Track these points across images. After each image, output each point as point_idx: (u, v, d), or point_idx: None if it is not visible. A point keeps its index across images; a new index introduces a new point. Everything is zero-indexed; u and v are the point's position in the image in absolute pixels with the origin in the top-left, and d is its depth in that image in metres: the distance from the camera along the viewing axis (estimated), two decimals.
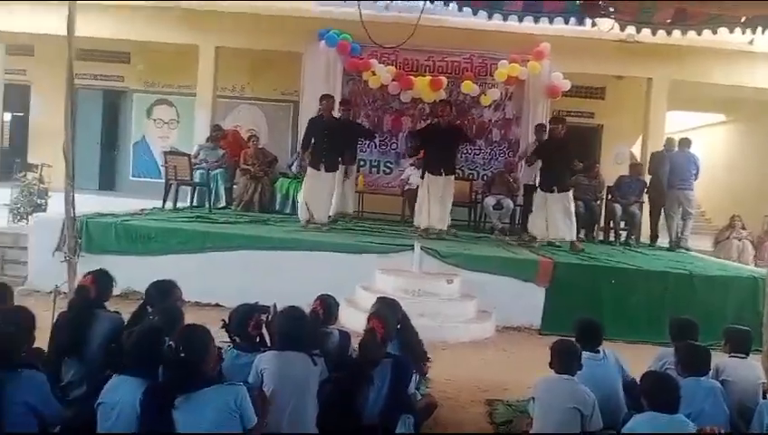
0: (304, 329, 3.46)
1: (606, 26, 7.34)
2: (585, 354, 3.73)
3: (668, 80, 10.45)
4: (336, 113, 8.28)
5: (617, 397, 3.68)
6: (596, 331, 3.91)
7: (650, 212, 9.38)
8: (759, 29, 5.85)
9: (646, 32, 7.07)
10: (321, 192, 7.82)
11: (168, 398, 2.72)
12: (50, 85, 11.39)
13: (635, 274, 6.71)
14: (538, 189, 7.97)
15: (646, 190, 9.25)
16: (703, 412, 3.31)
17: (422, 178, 8.01)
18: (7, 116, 12.76)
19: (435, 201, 7.83)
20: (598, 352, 3.83)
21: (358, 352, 3.56)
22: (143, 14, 10.20)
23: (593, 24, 7.50)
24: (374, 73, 10.06)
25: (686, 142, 9.35)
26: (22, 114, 12.97)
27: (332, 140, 7.81)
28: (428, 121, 9.56)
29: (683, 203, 9.00)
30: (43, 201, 9.44)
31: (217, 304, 6.23)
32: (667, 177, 9.08)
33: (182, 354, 2.74)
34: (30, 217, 8.60)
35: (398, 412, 3.54)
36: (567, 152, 7.71)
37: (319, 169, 7.77)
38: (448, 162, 7.96)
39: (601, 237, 9.44)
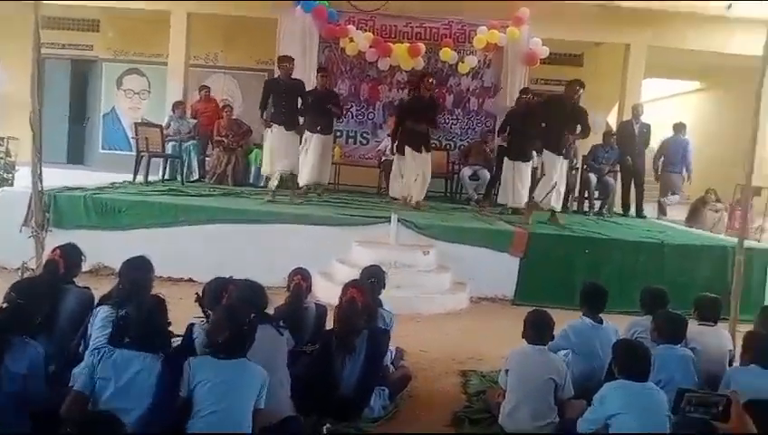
0: (264, 299, 3.44)
1: None
2: (586, 321, 3.90)
3: (646, 46, 10.43)
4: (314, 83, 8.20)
5: (603, 366, 3.71)
6: (601, 297, 4.01)
7: (622, 182, 9.46)
8: None
9: None
10: (279, 146, 7.71)
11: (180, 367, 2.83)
12: (15, 55, 10.95)
13: (608, 243, 6.76)
14: (506, 158, 8.02)
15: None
16: (673, 379, 3.38)
17: (396, 152, 8.06)
18: None
19: (415, 175, 7.84)
20: (600, 320, 3.91)
21: (337, 323, 3.54)
22: None
23: None
24: (351, 40, 9.86)
25: (680, 127, 9.73)
26: None
27: (290, 102, 7.71)
28: (408, 93, 9.48)
29: (674, 186, 9.71)
30: (10, 175, 9.26)
31: (190, 279, 6.14)
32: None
33: (245, 328, 2.96)
34: None
35: (373, 384, 3.56)
36: (534, 121, 7.61)
37: (278, 126, 7.67)
38: (428, 137, 8.00)
39: (575, 207, 9.49)
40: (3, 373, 2.76)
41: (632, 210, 9.41)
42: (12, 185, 8.79)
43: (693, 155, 9.84)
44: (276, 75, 7.98)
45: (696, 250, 6.78)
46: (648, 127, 9.41)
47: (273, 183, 7.83)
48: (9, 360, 2.78)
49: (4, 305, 3.00)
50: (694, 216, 9.92)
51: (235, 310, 3.06)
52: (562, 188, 7.49)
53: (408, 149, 7.86)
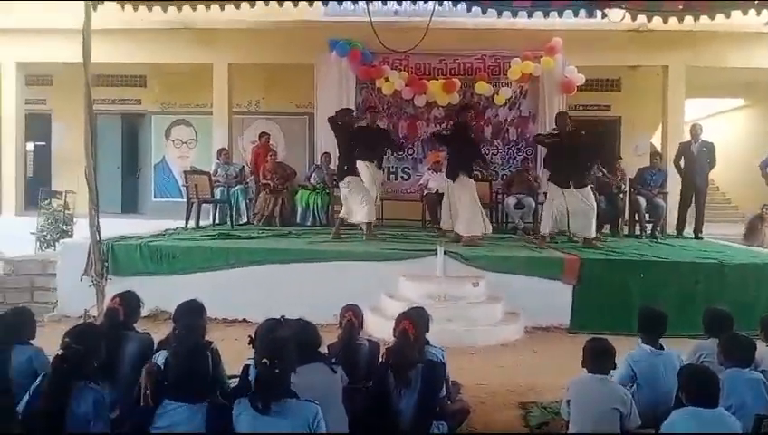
0: (317, 338, 3.43)
1: (617, 17, 7.26)
2: (645, 348, 3.75)
3: (684, 66, 10.29)
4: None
5: (671, 395, 3.54)
6: (659, 322, 3.85)
7: (681, 202, 9.22)
8: None
9: (658, 20, 7.00)
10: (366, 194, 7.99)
11: (229, 417, 2.73)
12: (69, 112, 11.60)
13: (664, 266, 6.59)
14: (551, 184, 7.75)
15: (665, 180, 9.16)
16: (745, 404, 3.22)
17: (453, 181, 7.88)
18: (30, 145, 12.97)
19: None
20: (660, 346, 3.76)
21: (391, 356, 3.52)
22: (157, 36, 10.35)
23: (603, 16, 7.43)
24: (387, 80, 10.07)
25: None
26: (44, 143, 13.19)
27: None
28: (447, 125, 9.59)
29: None
30: (69, 227, 9.61)
31: (244, 320, 6.28)
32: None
33: (276, 370, 2.74)
34: (57, 243, 8.73)
35: (430, 418, 3.50)
36: (581, 148, 7.56)
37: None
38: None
39: (626, 231, 9.29)
40: (68, 416, 2.82)
41: (688, 231, 9.14)
42: (71, 236, 9.13)
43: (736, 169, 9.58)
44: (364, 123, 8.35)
45: (757, 269, 6.54)
46: (709, 145, 9.08)
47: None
48: (74, 403, 2.85)
49: (60, 352, 3.03)
50: (751, 233, 9.59)
51: (274, 349, 2.88)
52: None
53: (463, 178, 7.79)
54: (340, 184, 7.97)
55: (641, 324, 3.87)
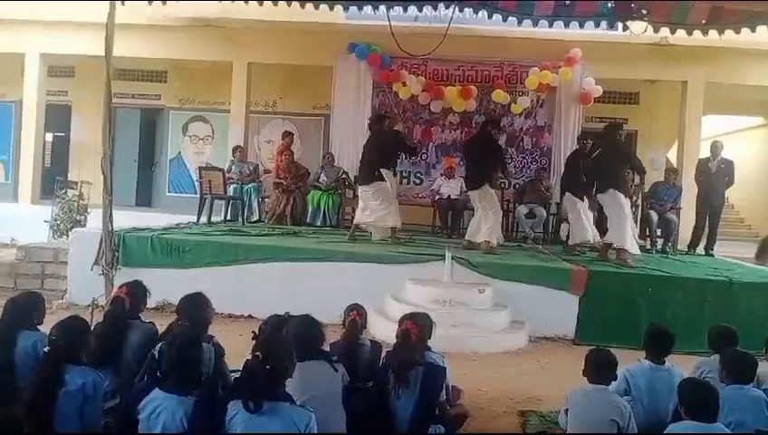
0: (320, 335, 3.44)
1: (638, 29, 7.25)
2: (645, 363, 3.70)
3: (704, 82, 10.21)
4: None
5: (668, 411, 3.53)
6: (666, 342, 3.78)
7: (696, 219, 9.13)
8: None
9: (680, 33, 6.97)
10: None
11: (219, 412, 2.72)
12: (89, 105, 11.76)
13: (672, 282, 6.54)
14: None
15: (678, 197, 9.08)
16: (745, 422, 3.20)
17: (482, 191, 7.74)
18: (49, 136, 13.11)
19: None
20: (662, 363, 3.71)
21: (392, 355, 3.53)
22: (179, 33, 10.50)
23: (625, 28, 7.41)
24: (404, 84, 10.11)
25: None
26: (63, 134, 13.34)
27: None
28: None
29: None
30: (83, 217, 9.70)
31: (250, 316, 6.31)
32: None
33: (268, 366, 2.68)
34: (69, 232, 8.83)
35: (429, 422, 3.51)
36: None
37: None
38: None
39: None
40: (61, 398, 2.86)
41: (700, 249, 9.06)
42: (84, 226, 9.21)
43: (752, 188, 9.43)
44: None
45: (767, 289, 6.47)
46: (728, 163, 8.99)
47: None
48: (69, 385, 2.89)
49: (47, 348, 3.07)
50: (763, 253, 9.45)
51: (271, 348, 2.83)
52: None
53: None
54: (363, 188, 7.93)
55: (647, 342, 3.80)
